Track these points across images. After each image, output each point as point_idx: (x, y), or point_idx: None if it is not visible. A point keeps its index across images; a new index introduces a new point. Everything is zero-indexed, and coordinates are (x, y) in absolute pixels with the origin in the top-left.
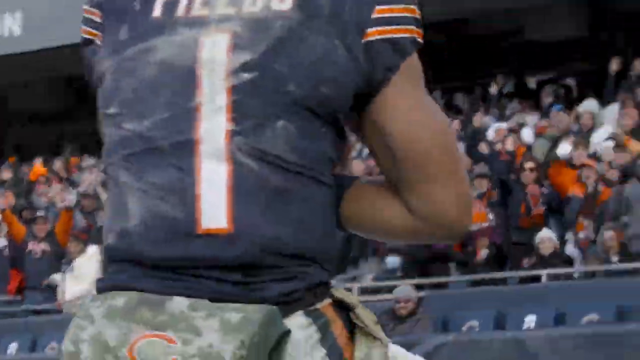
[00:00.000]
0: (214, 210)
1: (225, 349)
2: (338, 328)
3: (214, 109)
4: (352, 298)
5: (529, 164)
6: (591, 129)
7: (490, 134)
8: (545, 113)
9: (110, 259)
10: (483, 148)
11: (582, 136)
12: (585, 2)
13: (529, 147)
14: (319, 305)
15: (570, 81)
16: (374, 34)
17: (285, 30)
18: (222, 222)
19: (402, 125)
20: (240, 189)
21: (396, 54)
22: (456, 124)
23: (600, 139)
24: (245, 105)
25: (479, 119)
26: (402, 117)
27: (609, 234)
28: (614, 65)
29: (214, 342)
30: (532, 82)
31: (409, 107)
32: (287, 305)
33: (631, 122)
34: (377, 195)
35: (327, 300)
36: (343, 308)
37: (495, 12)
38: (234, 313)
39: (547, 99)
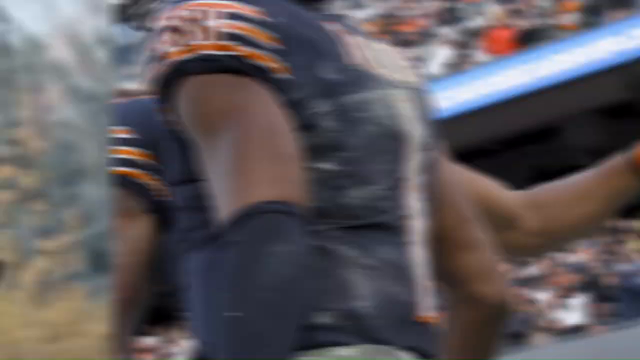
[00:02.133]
0: (426, 297)
1: None
2: None
3: (411, 187)
4: None
5: None
6: None
7: None
8: None
9: (316, 337)
10: None
11: None
12: None
13: None
14: None
15: None
16: None
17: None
18: (432, 311)
19: None
20: (430, 277)
21: None
22: None
23: None
24: (423, 188)
25: None
26: None
27: None
28: None
29: None
30: None
31: None
32: None
33: None
34: None
35: None
36: None
37: None
38: None
39: None
